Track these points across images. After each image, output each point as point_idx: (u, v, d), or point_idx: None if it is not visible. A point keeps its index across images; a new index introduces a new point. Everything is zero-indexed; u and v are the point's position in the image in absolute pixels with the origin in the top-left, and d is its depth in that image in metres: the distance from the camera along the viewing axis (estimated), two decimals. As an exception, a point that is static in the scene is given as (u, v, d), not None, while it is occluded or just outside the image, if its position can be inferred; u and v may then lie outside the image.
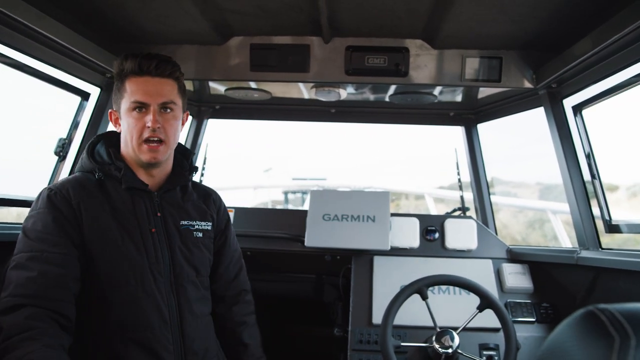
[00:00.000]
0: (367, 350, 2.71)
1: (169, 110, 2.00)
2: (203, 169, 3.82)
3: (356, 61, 2.76)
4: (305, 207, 3.65)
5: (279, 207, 13.67)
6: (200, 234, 2.13)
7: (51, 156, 2.72)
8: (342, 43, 2.78)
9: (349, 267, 3.06)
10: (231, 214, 3.34)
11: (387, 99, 3.33)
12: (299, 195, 15.54)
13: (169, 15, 2.49)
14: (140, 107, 1.95)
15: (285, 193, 15.55)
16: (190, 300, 2.02)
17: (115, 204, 1.93)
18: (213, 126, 3.93)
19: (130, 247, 1.89)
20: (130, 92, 1.96)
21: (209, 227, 2.19)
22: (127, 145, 1.99)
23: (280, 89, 3.24)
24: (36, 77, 2.49)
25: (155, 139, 1.96)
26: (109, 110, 2.09)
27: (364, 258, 3.04)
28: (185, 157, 2.24)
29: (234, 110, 3.81)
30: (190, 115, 3.76)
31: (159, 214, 2.01)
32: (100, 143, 2.08)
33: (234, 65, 2.87)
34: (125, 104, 1.97)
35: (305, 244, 2.98)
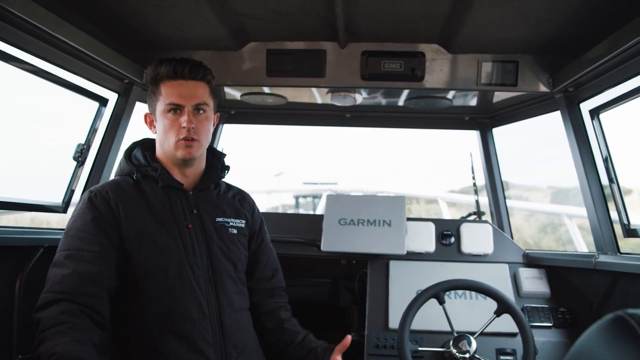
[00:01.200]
0: (384, 355, 2.70)
1: (201, 111, 2.12)
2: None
3: (372, 66, 2.77)
4: (319, 211, 3.65)
5: (290, 211, 13.68)
6: (235, 231, 2.22)
7: (70, 161, 2.74)
8: (358, 48, 2.79)
9: (364, 272, 3.05)
10: None
11: (401, 104, 3.32)
12: (309, 199, 15.54)
13: (186, 22, 2.51)
14: (175, 108, 2.07)
15: (297, 197, 15.56)
16: (228, 294, 2.09)
17: (153, 202, 2.04)
18: (227, 131, 3.94)
19: (168, 241, 1.99)
20: (165, 95, 2.08)
21: (243, 225, 2.28)
22: (163, 146, 2.12)
23: (295, 94, 3.24)
24: (55, 83, 2.51)
25: (190, 138, 2.07)
26: (145, 114, 2.20)
27: (380, 262, 3.04)
28: (216, 158, 2.34)
29: (249, 116, 3.82)
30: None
31: (195, 211, 2.12)
32: (136, 148, 2.20)
33: (250, 70, 2.88)
34: (160, 106, 2.09)
35: (322, 248, 2.98)
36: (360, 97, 3.12)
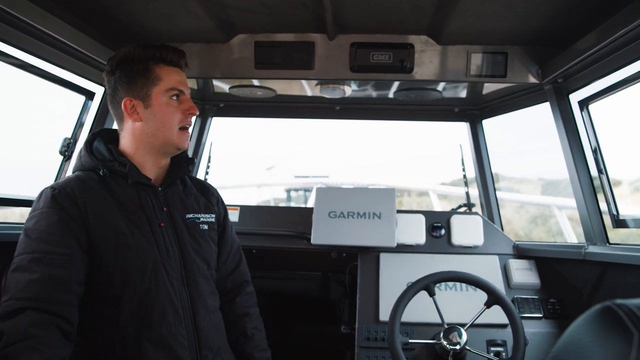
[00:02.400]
0: (374, 348, 2.70)
1: None
2: (208, 167, 3.82)
3: (361, 58, 2.76)
4: (310, 204, 3.64)
5: (282, 204, 13.67)
6: (205, 227, 2.12)
7: (56, 156, 2.72)
8: (346, 40, 2.77)
9: (355, 265, 3.05)
10: (236, 212, 3.36)
11: (391, 96, 3.32)
12: (301, 193, 15.52)
13: (172, 14, 2.48)
14: (177, 94, 1.99)
15: (288, 191, 15.54)
16: (202, 295, 1.99)
17: (122, 200, 1.89)
18: (217, 124, 3.92)
19: (141, 242, 1.86)
20: (166, 80, 1.97)
21: (213, 219, 2.19)
22: (157, 133, 1.96)
23: (284, 87, 3.23)
24: (41, 77, 2.50)
25: (189, 126, 2.03)
26: (126, 98, 1.95)
27: (370, 255, 3.04)
28: None
29: (238, 108, 3.80)
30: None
31: (165, 209, 1.99)
32: (97, 140, 2.03)
33: (238, 63, 2.86)
34: (160, 91, 1.96)
35: (312, 241, 2.97)
36: (349, 90, 3.10)
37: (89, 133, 2.78)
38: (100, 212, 1.82)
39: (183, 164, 2.14)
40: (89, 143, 2.01)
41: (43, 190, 1.83)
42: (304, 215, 3.23)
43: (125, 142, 2.01)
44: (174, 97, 1.98)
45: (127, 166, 1.93)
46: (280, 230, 3.20)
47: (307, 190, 14.57)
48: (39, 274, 1.65)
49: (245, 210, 3.39)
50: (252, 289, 2.41)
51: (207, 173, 3.81)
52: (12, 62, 2.34)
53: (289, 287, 3.59)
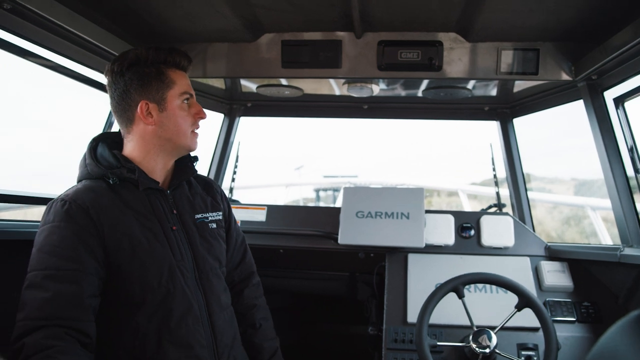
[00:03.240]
0: (402, 350, 2.67)
1: None
2: (235, 167, 3.83)
3: (389, 56, 2.72)
4: (338, 204, 3.63)
5: (310, 204, 13.70)
6: (214, 225, 2.13)
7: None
8: (374, 38, 2.74)
9: (382, 265, 3.02)
10: (263, 212, 3.36)
11: (420, 94, 3.28)
12: (330, 192, 15.55)
13: (199, 13, 2.49)
14: (188, 98, 2.00)
15: (317, 191, 15.58)
16: (216, 293, 2.01)
17: (134, 207, 1.88)
18: (245, 124, 3.93)
19: (157, 246, 1.86)
20: (179, 84, 1.97)
21: (220, 217, 2.20)
22: (170, 137, 1.96)
23: (311, 86, 3.22)
24: (70, 77, 2.54)
25: (198, 128, 2.05)
26: (141, 102, 1.92)
27: (398, 255, 3.00)
28: None
29: (266, 108, 3.80)
30: (222, 113, 3.77)
31: (175, 211, 1.99)
32: (100, 146, 2.00)
33: (265, 62, 2.85)
34: (174, 94, 1.95)
35: (339, 241, 2.95)
36: (377, 88, 3.07)
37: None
38: (114, 221, 1.81)
39: (187, 163, 2.14)
40: (92, 150, 1.98)
41: (52, 203, 1.81)
42: (331, 215, 3.22)
43: (134, 146, 1.98)
44: (186, 101, 1.99)
45: (136, 172, 1.90)
46: (307, 230, 3.18)
47: (336, 190, 14.59)
48: (52, 292, 1.64)
49: (272, 210, 3.38)
50: (258, 279, 2.43)
51: (234, 173, 3.82)
52: (42, 63, 2.39)
53: (316, 287, 3.58)
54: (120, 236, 1.80)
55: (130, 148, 1.98)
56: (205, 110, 2.06)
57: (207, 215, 2.13)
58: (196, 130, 2.04)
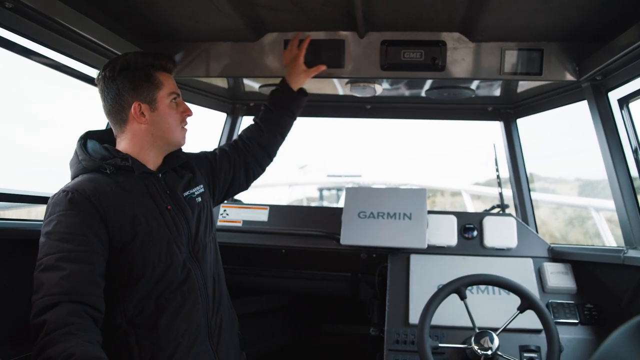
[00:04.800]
0: (403, 351, 2.66)
1: None
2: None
3: (392, 56, 2.71)
4: (340, 204, 3.62)
5: (313, 204, 13.68)
6: (199, 199, 2.30)
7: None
8: (377, 38, 2.73)
9: (385, 266, 3.01)
10: (265, 212, 3.35)
11: (423, 94, 3.26)
12: (334, 192, 15.54)
13: (202, 13, 2.48)
14: (176, 97, 2.18)
15: (320, 190, 15.57)
16: (208, 263, 2.22)
17: (132, 191, 2.04)
18: (247, 123, 3.91)
19: (155, 226, 2.03)
20: (167, 85, 2.15)
21: (203, 189, 2.36)
22: (161, 135, 2.15)
23: (314, 85, 3.20)
24: (74, 77, 2.54)
25: (186, 124, 2.25)
26: (135, 103, 2.08)
27: (400, 256, 2.99)
28: None
29: None
30: (225, 112, 3.77)
31: (168, 192, 2.16)
32: (89, 142, 2.13)
33: (268, 61, 2.85)
34: (164, 95, 2.14)
35: (341, 241, 2.95)
36: (380, 88, 3.06)
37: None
38: (115, 205, 1.96)
39: (175, 152, 2.30)
40: (83, 146, 2.12)
41: (55, 195, 1.94)
42: (333, 215, 3.21)
43: (128, 143, 2.13)
44: (174, 100, 2.17)
45: (130, 160, 2.06)
46: (310, 230, 3.18)
47: (340, 189, 14.59)
48: (68, 271, 1.77)
49: (274, 210, 3.38)
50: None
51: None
52: (46, 63, 2.39)
53: (318, 287, 3.57)
54: (122, 218, 1.95)
55: (124, 145, 2.14)
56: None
57: (193, 190, 2.29)
58: (185, 127, 2.24)
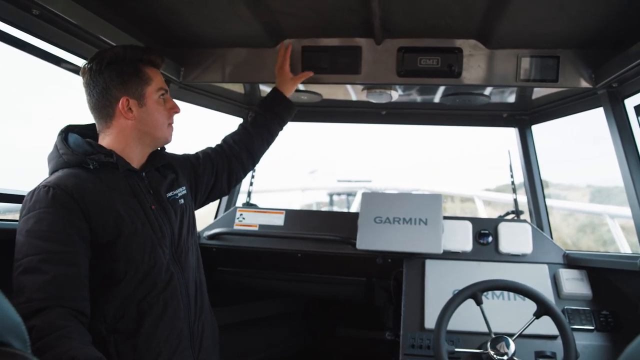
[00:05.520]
0: (419, 355, 2.66)
1: None
2: (253, 171, 3.84)
3: (408, 62, 2.73)
4: (354, 209, 3.63)
5: (324, 209, 13.66)
6: (182, 201, 2.26)
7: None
8: (394, 44, 2.75)
9: (400, 271, 3.02)
10: (282, 216, 3.37)
11: (438, 100, 3.28)
12: (344, 197, 15.49)
13: (221, 19, 2.52)
14: (164, 93, 2.14)
15: (331, 195, 15.52)
16: (191, 267, 2.18)
17: (115, 188, 1.97)
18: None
19: (138, 225, 1.96)
20: (155, 80, 2.11)
21: (186, 191, 2.32)
22: (148, 131, 2.10)
23: (330, 91, 3.23)
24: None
25: (173, 122, 2.21)
26: (122, 98, 2.02)
27: (416, 261, 3.00)
28: None
29: None
30: (241, 117, 3.79)
31: (151, 192, 2.11)
32: (70, 136, 2.04)
33: None
34: (152, 90, 2.09)
35: (357, 246, 2.96)
36: (396, 94, 3.08)
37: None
38: (98, 202, 1.87)
39: (158, 151, 2.25)
40: (64, 140, 2.02)
41: (35, 190, 1.84)
42: (349, 220, 3.22)
43: (113, 139, 2.06)
44: (162, 96, 2.13)
45: (114, 156, 1.99)
46: (325, 235, 3.19)
47: (350, 194, 14.53)
48: (51, 274, 1.69)
49: (290, 214, 3.40)
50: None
51: (252, 177, 3.83)
52: (67, 67, 2.42)
53: (333, 291, 3.59)
54: (105, 216, 1.87)
55: (108, 141, 2.06)
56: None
57: (176, 192, 2.25)
58: (171, 124, 2.20)
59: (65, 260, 1.74)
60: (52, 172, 1.97)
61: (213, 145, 2.70)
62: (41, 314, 1.61)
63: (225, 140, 2.71)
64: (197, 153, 2.60)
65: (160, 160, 2.23)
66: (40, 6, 1.96)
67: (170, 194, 2.20)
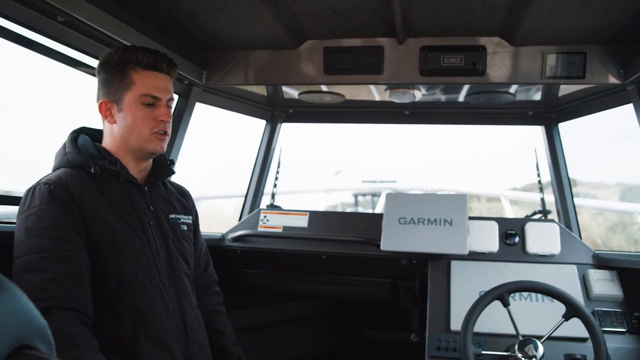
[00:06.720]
0: (445, 358, 2.63)
1: (169, 106, 2.04)
2: (277, 172, 3.85)
3: (431, 61, 2.71)
4: (378, 210, 3.62)
5: (349, 209, 13.65)
6: (185, 227, 2.17)
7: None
8: (416, 43, 2.73)
9: (425, 272, 2.99)
10: (305, 218, 3.37)
11: (462, 99, 3.24)
12: (369, 197, 15.45)
13: (242, 21, 2.53)
14: (151, 102, 1.95)
15: (356, 196, 15.49)
16: (187, 292, 2.06)
17: (114, 198, 1.90)
18: (287, 130, 3.95)
19: (135, 240, 1.89)
20: (140, 85, 1.93)
21: (190, 221, 2.24)
22: (127, 138, 1.96)
23: (353, 92, 3.22)
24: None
25: (163, 132, 1.99)
26: (101, 101, 1.96)
27: (441, 262, 2.96)
28: None
29: (307, 114, 3.82)
30: (264, 119, 3.80)
31: (151, 208, 2.03)
32: (81, 138, 2.00)
33: (307, 69, 2.88)
34: (132, 96, 1.93)
35: (381, 247, 2.93)
36: (419, 94, 3.05)
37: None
38: (96, 209, 1.82)
39: (164, 165, 2.17)
40: (73, 140, 1.98)
41: (35, 187, 1.80)
42: (373, 221, 3.20)
43: (107, 143, 2.01)
44: (147, 104, 1.95)
45: (118, 165, 1.93)
46: (350, 236, 3.18)
47: (375, 195, 14.49)
48: (53, 273, 1.65)
49: (314, 215, 3.39)
50: (219, 289, 2.48)
51: (276, 179, 3.84)
52: (93, 73, 2.46)
53: (358, 293, 3.57)
54: (101, 224, 1.81)
55: (105, 143, 2.01)
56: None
57: (180, 217, 2.17)
58: (160, 133, 1.98)
59: (68, 259, 1.70)
60: (54, 169, 1.95)
61: (203, 249, 2.43)
62: (46, 316, 1.53)
63: (205, 294, 2.39)
64: (197, 229, 2.38)
65: (164, 174, 2.16)
66: (65, 13, 1.99)
67: (173, 215, 2.13)
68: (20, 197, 1.85)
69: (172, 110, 2.09)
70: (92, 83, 2.19)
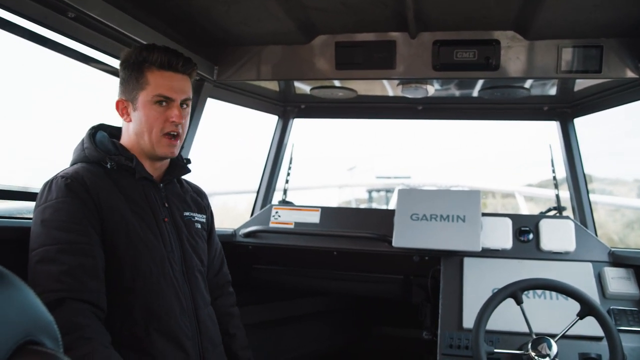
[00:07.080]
0: (457, 356, 2.61)
1: (185, 106, 2.03)
2: (289, 168, 3.84)
3: (444, 56, 2.67)
4: (391, 206, 3.59)
5: (362, 206, 13.66)
6: (199, 226, 2.18)
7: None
8: (429, 38, 2.70)
9: (437, 269, 2.97)
10: (317, 214, 3.36)
11: (476, 94, 3.21)
12: (382, 194, 15.45)
13: (253, 17, 2.52)
14: (163, 101, 1.95)
15: (370, 192, 15.51)
16: (200, 289, 2.08)
17: (130, 194, 1.92)
18: (299, 126, 3.94)
19: (150, 236, 1.90)
20: (154, 85, 1.93)
21: (204, 220, 2.25)
22: (142, 137, 1.96)
23: (365, 87, 3.20)
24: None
25: (175, 133, 1.98)
26: (118, 100, 1.99)
27: (454, 259, 2.93)
28: None
29: (320, 110, 3.81)
30: (276, 115, 3.79)
31: (166, 205, 2.05)
32: (99, 134, 2.02)
33: (319, 64, 2.86)
34: (146, 95, 1.93)
35: (393, 244, 2.91)
36: (432, 89, 3.02)
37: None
38: (111, 204, 1.84)
39: (181, 163, 2.17)
40: (92, 136, 2.00)
41: (52, 180, 1.82)
42: (385, 217, 3.18)
43: (124, 140, 2.03)
44: (160, 103, 1.94)
45: (134, 161, 1.95)
46: (361, 233, 3.16)
47: (389, 190, 14.50)
48: (68, 265, 1.67)
49: (326, 211, 3.38)
50: (232, 290, 2.47)
51: (288, 174, 3.83)
52: (103, 69, 2.47)
53: (370, 289, 3.55)
54: (117, 219, 1.83)
55: (123, 140, 2.03)
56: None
57: (194, 215, 2.18)
58: (171, 134, 1.97)
59: (83, 251, 1.71)
60: (72, 164, 1.97)
61: (218, 249, 2.43)
62: (58, 309, 1.58)
63: (221, 294, 2.40)
64: (212, 229, 2.39)
65: (180, 172, 2.17)
66: (76, 9, 2.00)
67: (187, 213, 2.14)
68: (35, 193, 1.86)
69: (190, 109, 2.08)
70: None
